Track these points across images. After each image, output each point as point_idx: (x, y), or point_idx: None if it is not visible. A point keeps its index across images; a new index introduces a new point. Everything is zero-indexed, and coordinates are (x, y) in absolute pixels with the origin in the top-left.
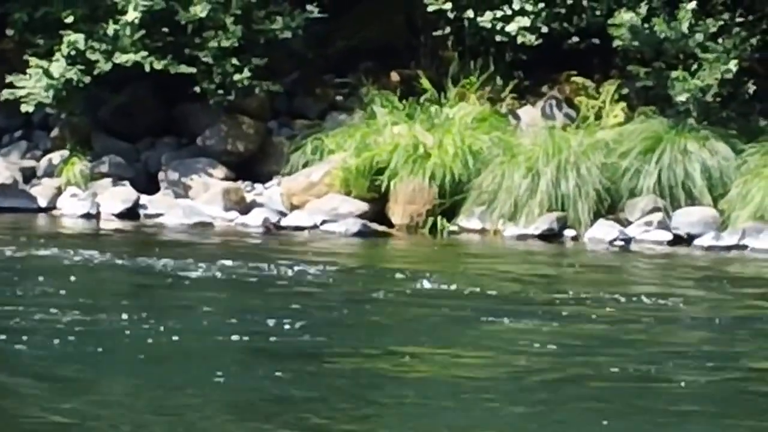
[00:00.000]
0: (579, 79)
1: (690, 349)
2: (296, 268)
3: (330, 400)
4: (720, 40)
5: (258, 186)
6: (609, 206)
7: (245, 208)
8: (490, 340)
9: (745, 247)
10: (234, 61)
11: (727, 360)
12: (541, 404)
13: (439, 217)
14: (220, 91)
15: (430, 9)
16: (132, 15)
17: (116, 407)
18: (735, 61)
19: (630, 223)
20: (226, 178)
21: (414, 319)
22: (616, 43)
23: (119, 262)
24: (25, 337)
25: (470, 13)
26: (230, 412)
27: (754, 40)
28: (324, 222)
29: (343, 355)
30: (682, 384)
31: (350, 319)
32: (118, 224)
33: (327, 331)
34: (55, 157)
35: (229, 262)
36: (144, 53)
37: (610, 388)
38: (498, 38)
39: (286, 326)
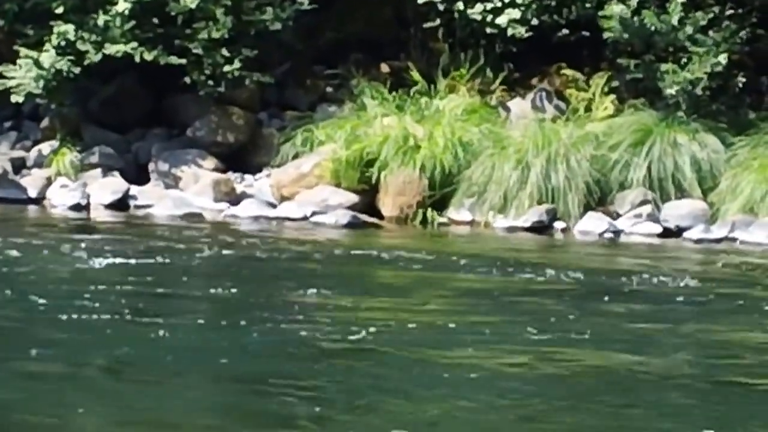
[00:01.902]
0: (569, 72)
1: None
2: None
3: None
4: (710, 33)
5: (248, 177)
6: (599, 199)
7: (235, 199)
8: None
9: (734, 239)
10: (224, 52)
11: None
12: None
13: (429, 209)
14: (210, 82)
15: (420, 1)
16: (122, 6)
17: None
18: (725, 54)
19: (619, 215)
20: (216, 169)
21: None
22: (606, 35)
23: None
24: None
25: (460, 5)
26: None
27: (743, 33)
28: (314, 213)
29: None
30: None
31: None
32: (107, 215)
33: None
34: (45, 147)
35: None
36: (134, 44)
37: None
38: (488, 30)
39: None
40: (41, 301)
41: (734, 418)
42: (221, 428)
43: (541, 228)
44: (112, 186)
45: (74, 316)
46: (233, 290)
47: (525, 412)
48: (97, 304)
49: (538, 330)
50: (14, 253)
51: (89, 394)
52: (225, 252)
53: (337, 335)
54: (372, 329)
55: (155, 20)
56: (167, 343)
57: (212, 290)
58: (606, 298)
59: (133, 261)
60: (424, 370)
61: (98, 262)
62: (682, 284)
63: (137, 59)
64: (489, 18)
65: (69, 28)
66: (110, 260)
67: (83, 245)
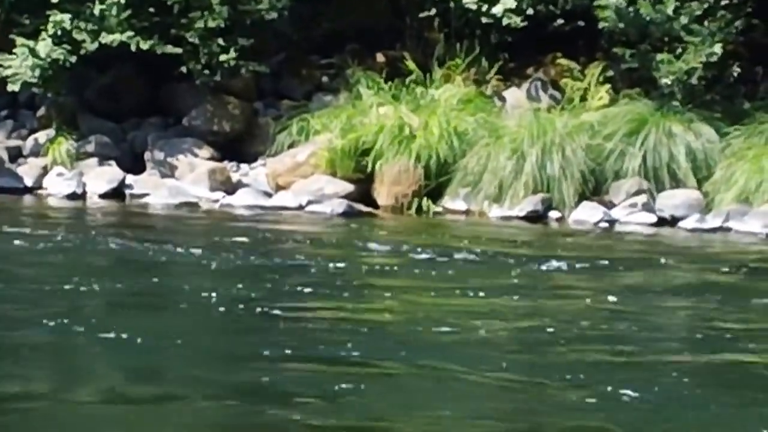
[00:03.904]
0: (564, 61)
1: None
2: None
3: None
4: (705, 23)
5: (244, 166)
6: (593, 188)
7: (231, 188)
8: None
9: (729, 229)
10: (220, 41)
11: None
12: None
13: (424, 198)
14: (206, 72)
15: None
16: None
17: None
18: (720, 44)
19: (614, 205)
20: (212, 159)
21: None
22: (602, 25)
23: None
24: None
25: None
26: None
27: (738, 23)
28: (309, 203)
29: None
30: None
31: None
32: (103, 204)
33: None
34: (42, 136)
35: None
36: (130, 33)
37: None
38: (484, 20)
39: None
40: None
41: None
42: None
43: (536, 217)
44: (108, 175)
45: None
46: None
47: None
48: None
49: None
50: None
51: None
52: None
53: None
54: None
55: (151, 9)
56: None
57: None
58: None
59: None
60: None
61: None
62: None
63: (133, 48)
64: (484, 8)
65: (65, 18)
66: None
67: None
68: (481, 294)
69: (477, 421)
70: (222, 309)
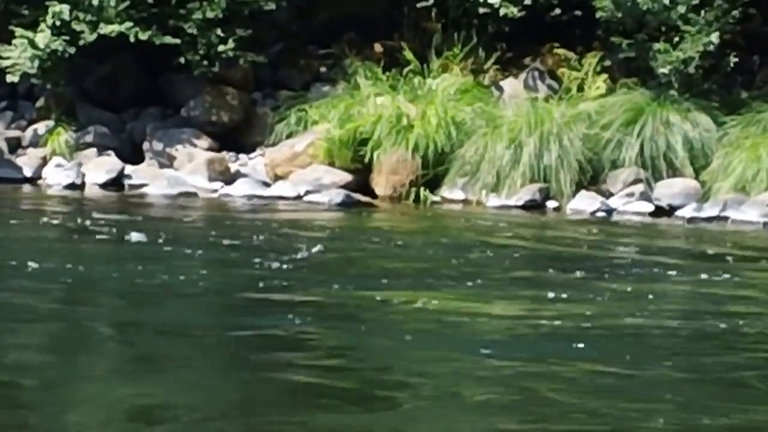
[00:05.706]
0: (561, 51)
1: None
2: None
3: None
4: (702, 13)
5: (242, 156)
6: (591, 177)
7: (229, 178)
8: None
9: (726, 218)
10: (218, 32)
11: None
12: None
13: (422, 188)
14: (205, 62)
15: None
16: None
17: None
18: (717, 34)
19: (612, 194)
20: (210, 149)
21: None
22: (599, 14)
23: None
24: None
25: None
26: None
27: (735, 13)
28: (308, 192)
29: None
30: None
31: None
32: (102, 194)
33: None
34: (41, 127)
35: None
36: (129, 24)
37: None
38: (481, 10)
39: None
40: None
41: None
42: None
43: (533, 206)
44: (107, 165)
45: None
46: None
47: None
48: None
49: None
50: None
51: None
52: None
53: None
54: None
55: (149, 0)
56: None
57: None
58: None
59: None
60: None
61: None
62: None
63: (132, 39)
64: None
65: (64, 8)
66: None
67: None
68: None
69: None
70: None
